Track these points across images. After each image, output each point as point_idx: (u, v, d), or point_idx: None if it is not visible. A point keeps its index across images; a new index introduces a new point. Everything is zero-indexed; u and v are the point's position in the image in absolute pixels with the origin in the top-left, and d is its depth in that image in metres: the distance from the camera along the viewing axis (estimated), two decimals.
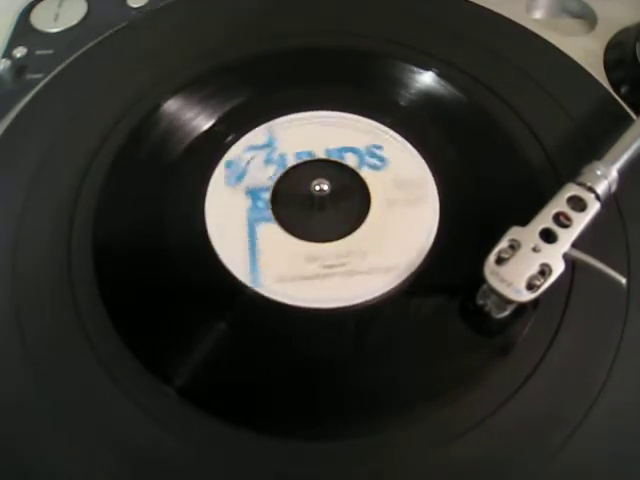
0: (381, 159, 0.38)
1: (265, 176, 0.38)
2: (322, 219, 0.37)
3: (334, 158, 0.38)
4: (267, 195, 0.37)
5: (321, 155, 0.38)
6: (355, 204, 0.37)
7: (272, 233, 0.36)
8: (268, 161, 0.38)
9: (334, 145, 0.39)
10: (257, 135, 0.39)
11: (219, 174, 0.38)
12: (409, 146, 0.39)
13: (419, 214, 0.36)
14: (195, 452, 0.30)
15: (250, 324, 0.33)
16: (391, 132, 0.39)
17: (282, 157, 0.38)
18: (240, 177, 0.38)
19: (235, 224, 0.36)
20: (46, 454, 0.30)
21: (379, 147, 0.39)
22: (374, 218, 0.36)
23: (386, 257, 0.35)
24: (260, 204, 0.37)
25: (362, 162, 0.38)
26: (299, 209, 0.37)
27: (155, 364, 0.32)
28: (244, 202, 0.37)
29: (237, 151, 0.39)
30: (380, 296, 0.33)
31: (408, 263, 0.34)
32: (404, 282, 0.34)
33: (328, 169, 0.38)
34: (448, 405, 0.31)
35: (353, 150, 0.39)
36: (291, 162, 0.38)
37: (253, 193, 0.37)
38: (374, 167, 0.38)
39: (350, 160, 0.38)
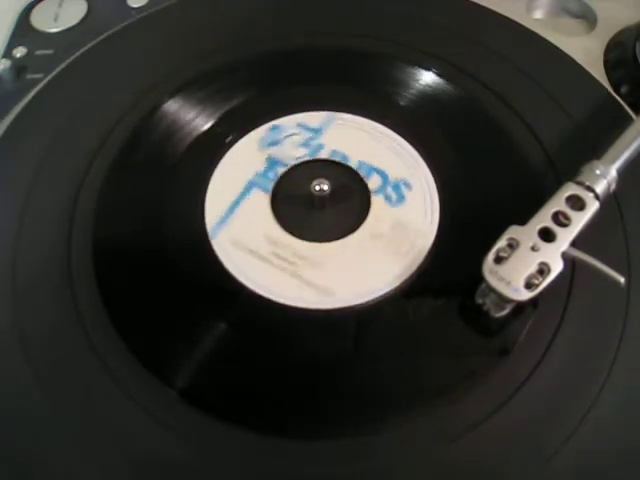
0: (401, 197, 0.37)
1: (293, 154, 0.38)
2: (322, 218, 0.37)
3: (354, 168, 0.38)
4: (282, 171, 0.38)
5: (354, 164, 0.38)
6: (355, 203, 0.37)
7: (259, 203, 0.37)
8: (305, 144, 0.39)
9: (369, 160, 0.38)
10: (314, 118, 0.40)
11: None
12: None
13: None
14: (195, 452, 0.30)
15: (250, 324, 0.33)
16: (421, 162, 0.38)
17: (318, 147, 0.39)
18: (273, 144, 0.39)
19: (236, 178, 0.37)
20: (46, 454, 0.30)
21: (408, 185, 0.37)
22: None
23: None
24: (270, 174, 0.38)
25: (381, 189, 0.37)
26: (299, 209, 0.37)
27: (155, 364, 0.32)
28: (258, 165, 0.38)
29: (288, 121, 0.40)
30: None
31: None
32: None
33: (328, 169, 0.38)
34: (448, 405, 0.31)
35: (382, 175, 0.38)
36: (323, 155, 0.39)
37: (272, 162, 0.38)
38: (389, 200, 0.37)
39: (373, 181, 0.38)
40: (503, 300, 0.31)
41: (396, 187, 0.37)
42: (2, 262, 0.35)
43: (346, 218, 0.36)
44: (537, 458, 0.30)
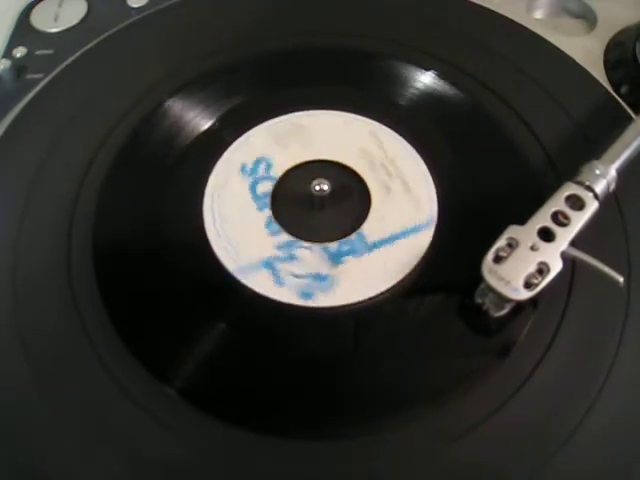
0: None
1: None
2: (322, 219, 0.37)
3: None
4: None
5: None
6: (355, 203, 0.37)
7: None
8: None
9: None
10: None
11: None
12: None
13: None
14: (195, 452, 0.30)
15: (249, 324, 0.33)
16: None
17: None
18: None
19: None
20: (46, 454, 0.30)
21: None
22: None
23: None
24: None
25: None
26: (299, 209, 0.37)
27: (155, 364, 0.32)
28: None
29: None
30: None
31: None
32: (403, 281, 0.34)
33: (328, 169, 0.38)
34: (447, 405, 0.31)
35: None
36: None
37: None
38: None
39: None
40: (502, 300, 0.31)
41: None
42: (2, 262, 0.35)
43: (346, 218, 0.37)
44: (537, 458, 0.30)
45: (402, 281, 0.34)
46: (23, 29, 0.48)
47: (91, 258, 0.35)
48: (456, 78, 0.41)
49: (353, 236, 0.36)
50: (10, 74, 0.45)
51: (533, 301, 0.31)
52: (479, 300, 0.32)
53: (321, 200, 0.36)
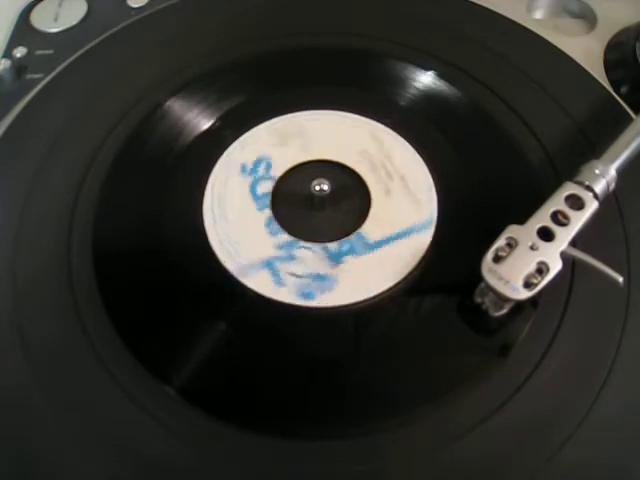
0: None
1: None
2: (322, 219, 0.37)
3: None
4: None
5: None
6: (355, 204, 0.37)
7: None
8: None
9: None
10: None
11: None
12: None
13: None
14: (195, 452, 0.30)
15: (249, 324, 0.33)
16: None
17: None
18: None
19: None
20: (46, 454, 0.30)
21: None
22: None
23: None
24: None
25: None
26: (299, 209, 0.37)
27: (155, 364, 0.32)
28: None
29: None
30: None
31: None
32: (403, 281, 0.34)
33: (328, 169, 0.38)
34: (448, 405, 0.31)
35: None
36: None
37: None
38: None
39: None
40: (502, 299, 0.31)
41: None
42: (2, 262, 0.35)
43: (346, 218, 0.37)
44: (537, 458, 0.30)
45: (402, 281, 0.34)
46: (23, 29, 0.48)
47: (91, 258, 0.35)
48: (456, 78, 0.41)
49: (353, 236, 0.36)
50: (10, 74, 0.45)
51: (533, 301, 0.31)
52: (479, 300, 0.32)
53: (321, 200, 0.36)
